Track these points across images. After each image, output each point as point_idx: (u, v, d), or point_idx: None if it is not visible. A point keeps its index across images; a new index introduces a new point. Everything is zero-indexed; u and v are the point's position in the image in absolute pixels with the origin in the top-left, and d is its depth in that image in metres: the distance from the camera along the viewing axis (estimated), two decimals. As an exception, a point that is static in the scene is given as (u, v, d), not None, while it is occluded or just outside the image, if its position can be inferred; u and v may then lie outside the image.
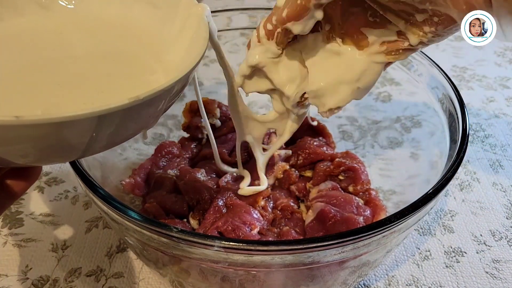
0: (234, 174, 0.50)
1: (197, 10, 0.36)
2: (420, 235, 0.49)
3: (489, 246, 0.48)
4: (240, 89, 0.41)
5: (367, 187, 0.48)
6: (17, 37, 0.36)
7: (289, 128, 0.43)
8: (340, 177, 0.49)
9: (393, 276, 0.45)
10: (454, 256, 0.46)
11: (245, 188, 0.47)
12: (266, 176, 0.48)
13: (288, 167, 0.51)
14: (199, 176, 0.49)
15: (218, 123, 0.55)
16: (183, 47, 0.35)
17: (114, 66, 0.35)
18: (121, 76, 0.34)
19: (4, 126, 0.22)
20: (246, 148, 0.54)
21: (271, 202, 0.48)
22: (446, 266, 0.46)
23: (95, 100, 0.30)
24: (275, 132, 0.55)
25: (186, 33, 0.36)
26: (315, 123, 0.55)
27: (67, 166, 0.55)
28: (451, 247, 0.47)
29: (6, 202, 0.29)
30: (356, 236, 0.32)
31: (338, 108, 0.37)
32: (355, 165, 0.49)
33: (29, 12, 0.37)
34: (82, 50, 0.36)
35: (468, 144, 0.40)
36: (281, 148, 0.53)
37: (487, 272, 0.45)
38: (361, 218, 0.44)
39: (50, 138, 0.24)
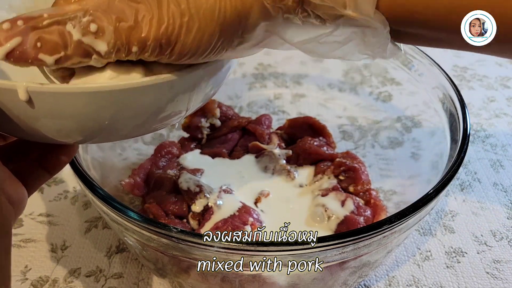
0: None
1: None
2: (421, 236, 0.48)
3: (490, 246, 0.47)
4: None
5: (368, 187, 0.48)
6: None
7: None
8: (341, 177, 0.49)
9: (393, 277, 0.45)
10: (455, 257, 0.46)
11: None
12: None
13: (288, 167, 0.51)
14: (199, 176, 0.49)
15: (218, 123, 0.55)
16: None
17: None
18: None
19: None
20: (246, 147, 0.54)
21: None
22: (447, 267, 0.45)
23: None
24: (275, 132, 0.55)
25: None
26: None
27: (66, 166, 0.55)
28: (452, 248, 0.47)
29: (46, 175, 0.31)
30: (357, 237, 0.32)
31: None
32: (356, 165, 0.49)
33: None
34: None
35: (469, 144, 0.40)
36: (281, 148, 0.53)
37: (488, 273, 0.45)
38: (362, 218, 0.44)
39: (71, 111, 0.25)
